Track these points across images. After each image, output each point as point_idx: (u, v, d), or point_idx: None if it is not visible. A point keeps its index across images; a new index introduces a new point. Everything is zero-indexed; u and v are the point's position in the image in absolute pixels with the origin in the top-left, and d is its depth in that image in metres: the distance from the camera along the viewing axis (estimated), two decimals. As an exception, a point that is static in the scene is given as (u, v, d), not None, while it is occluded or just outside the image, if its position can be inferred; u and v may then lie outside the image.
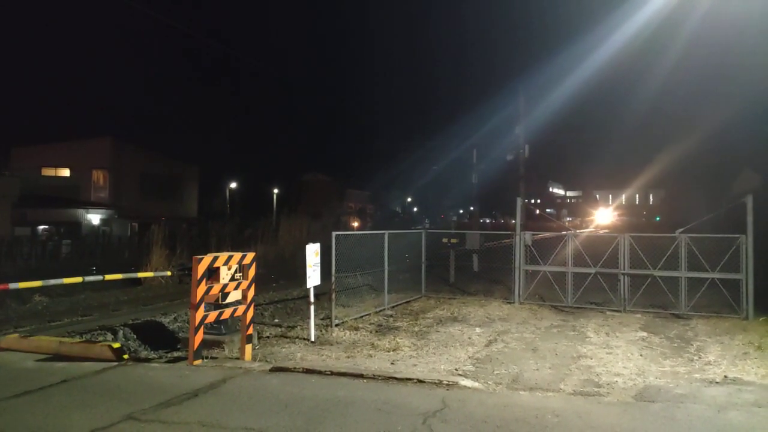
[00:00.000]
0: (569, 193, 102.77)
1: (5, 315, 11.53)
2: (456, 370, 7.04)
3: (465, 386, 6.20)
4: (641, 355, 7.95)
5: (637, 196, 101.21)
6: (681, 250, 11.11)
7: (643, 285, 11.52)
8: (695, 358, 7.86)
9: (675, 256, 11.17)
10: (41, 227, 33.55)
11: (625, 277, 11.61)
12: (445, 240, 16.22)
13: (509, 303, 12.48)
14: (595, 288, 12.07)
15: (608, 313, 11.38)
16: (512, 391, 6.20)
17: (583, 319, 10.70)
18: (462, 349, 8.21)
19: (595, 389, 6.30)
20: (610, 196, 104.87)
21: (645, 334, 9.43)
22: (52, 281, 7.48)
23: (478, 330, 9.68)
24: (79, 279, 7.81)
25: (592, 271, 12.02)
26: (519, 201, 13.36)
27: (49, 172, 41.40)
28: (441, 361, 7.48)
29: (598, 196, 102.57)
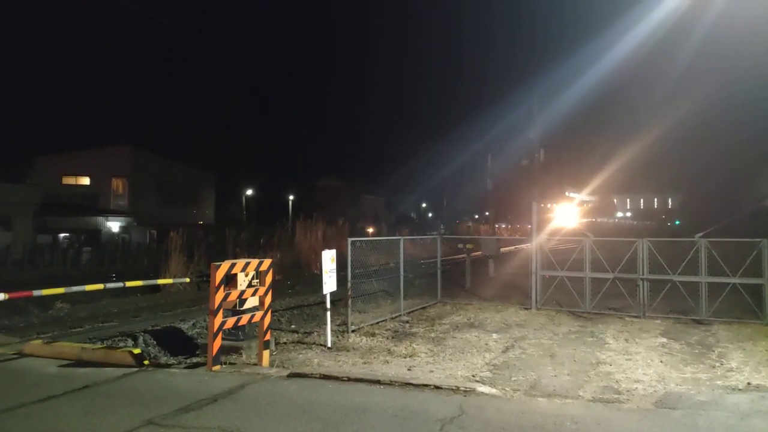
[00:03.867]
0: (586, 198, 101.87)
1: (28, 321, 11.75)
2: (473, 376, 7.01)
3: (482, 392, 6.18)
4: (661, 362, 7.84)
5: (655, 200, 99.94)
6: (701, 255, 10.95)
7: (662, 290, 11.37)
8: (717, 364, 7.73)
9: (695, 261, 11.02)
10: (62, 235, 34.12)
11: (645, 282, 11.47)
12: (460, 245, 16.20)
13: (526, 309, 12.39)
14: (613, 293, 11.94)
15: (627, 318, 11.24)
16: (530, 397, 6.16)
17: (602, 325, 10.59)
18: (479, 356, 8.18)
19: (615, 396, 6.24)
20: (628, 200, 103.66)
21: (665, 340, 9.30)
22: (75, 288, 7.63)
23: (495, 336, 9.63)
24: (100, 286, 7.96)
25: (611, 276, 11.89)
26: (534, 206, 13.29)
27: (69, 180, 42.17)
28: (458, 368, 7.46)
29: (615, 200, 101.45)
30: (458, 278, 16.58)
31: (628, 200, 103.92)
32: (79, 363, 7.37)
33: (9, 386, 6.48)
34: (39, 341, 8.11)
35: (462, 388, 6.21)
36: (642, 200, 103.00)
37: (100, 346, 8.10)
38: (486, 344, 8.97)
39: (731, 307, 10.93)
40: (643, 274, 11.47)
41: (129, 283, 8.64)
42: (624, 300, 11.82)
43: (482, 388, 6.32)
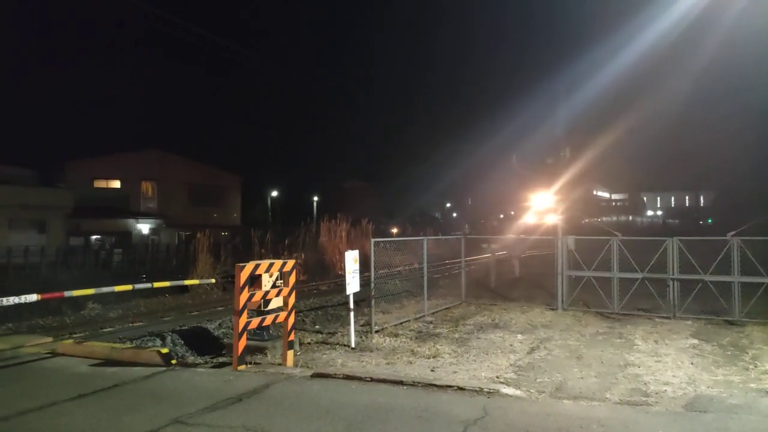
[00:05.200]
0: (615, 196, 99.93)
1: (62, 321, 12.08)
2: (497, 377, 6.94)
3: (506, 394, 6.12)
4: (692, 364, 7.65)
5: (686, 197, 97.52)
6: (733, 254, 10.64)
7: (693, 290, 11.09)
8: (750, 366, 7.50)
9: (727, 260, 10.71)
10: (94, 237, 35.05)
11: (675, 282, 11.20)
12: (484, 245, 16.07)
13: (552, 309, 12.22)
14: (642, 294, 11.69)
15: (657, 319, 10.99)
16: (555, 399, 6.07)
17: (631, 326, 10.38)
18: (503, 357, 8.10)
19: (643, 398, 6.10)
20: (658, 198, 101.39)
21: (696, 341, 9.06)
22: (104, 289, 7.82)
23: (519, 337, 9.52)
24: (129, 287, 8.14)
25: (639, 276, 11.64)
26: (560, 205, 13.10)
27: (100, 183, 43.26)
28: (482, 369, 7.40)
29: (645, 198, 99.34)
30: (483, 278, 16.45)
31: (658, 198, 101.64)
32: (109, 362, 7.55)
33: (42, 384, 6.67)
34: (71, 341, 8.34)
35: (486, 390, 6.15)
36: (673, 198, 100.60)
37: (130, 346, 8.29)
38: (511, 345, 8.87)
39: (765, 307, 10.59)
40: (673, 274, 11.20)
41: (156, 284, 8.82)
42: (653, 300, 11.56)
43: (506, 390, 6.26)
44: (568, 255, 12.53)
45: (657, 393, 6.31)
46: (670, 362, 7.72)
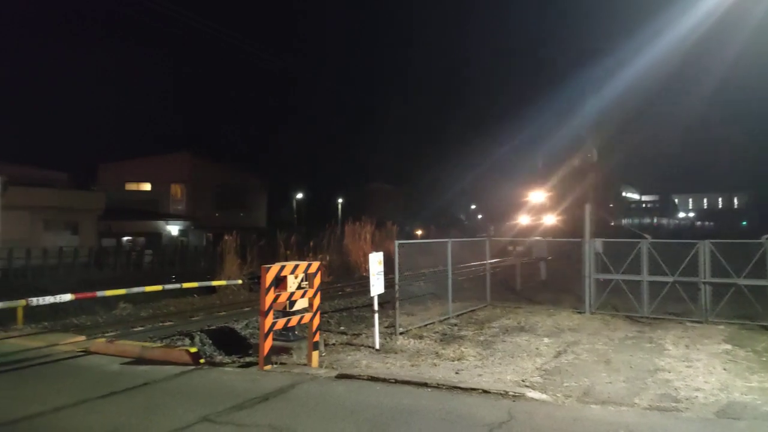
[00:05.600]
0: (645, 198, 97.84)
1: (94, 321, 12.40)
2: (523, 381, 6.88)
3: (532, 398, 6.06)
4: (725, 369, 7.45)
5: (720, 199, 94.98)
6: (769, 257, 10.33)
7: (726, 294, 10.80)
8: (787, 373, 7.27)
9: (762, 264, 10.40)
10: (125, 238, 35.91)
11: (707, 285, 10.92)
12: (510, 248, 15.91)
13: (580, 313, 12.04)
14: (673, 297, 11.43)
15: (688, 324, 10.74)
16: (583, 404, 5.98)
17: (661, 331, 10.16)
18: (529, 360, 8.02)
19: (673, 404, 5.97)
20: (690, 200, 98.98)
21: (729, 346, 8.82)
22: (135, 289, 8.02)
23: (546, 340, 9.41)
24: (158, 287, 8.34)
25: (670, 279, 11.39)
26: (587, 207, 12.90)
27: (131, 186, 44.32)
28: (507, 372, 7.34)
29: (677, 200, 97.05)
30: (508, 281, 16.30)
31: (690, 200, 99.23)
32: (140, 361, 7.73)
33: (76, 382, 6.87)
34: (103, 339, 8.57)
35: (511, 393, 6.10)
36: (705, 200, 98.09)
37: (160, 345, 8.47)
38: (537, 348, 8.78)
39: (804, 312, 10.25)
40: (705, 278, 10.92)
41: (186, 285, 9.01)
42: (684, 304, 11.29)
43: (532, 394, 6.20)
44: (596, 258, 12.33)
45: (688, 399, 6.17)
46: (701, 368, 7.54)
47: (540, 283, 17.28)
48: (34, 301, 6.88)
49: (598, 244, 12.48)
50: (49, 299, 7.03)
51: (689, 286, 11.23)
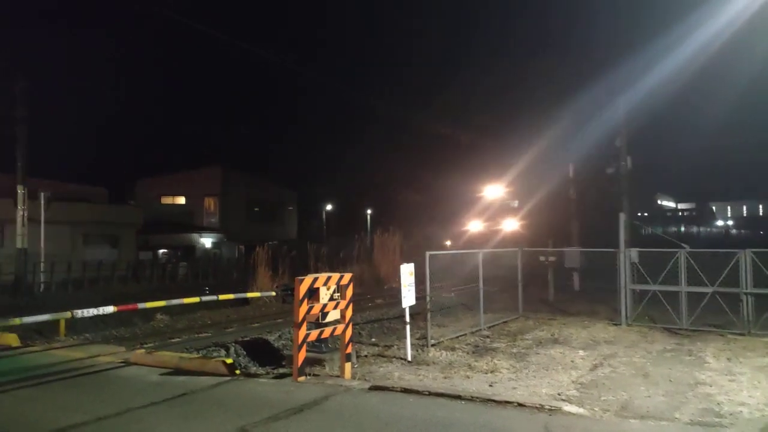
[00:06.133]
0: (681, 206, 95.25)
1: (133, 332, 12.75)
2: (558, 394, 6.78)
3: (569, 412, 5.96)
4: (771, 384, 7.19)
5: (760, 206, 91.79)
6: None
7: (770, 305, 10.43)
8: (838, 388, 6.97)
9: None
10: (161, 251, 36.79)
11: (749, 296, 10.57)
12: (542, 258, 15.71)
13: (615, 325, 11.79)
14: (712, 309, 11.09)
15: (729, 336, 10.40)
16: (621, 418, 5.86)
17: (701, 343, 9.87)
18: (564, 373, 7.89)
19: (716, 419, 5.80)
20: (728, 207, 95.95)
21: (775, 360, 8.51)
22: (174, 301, 8.24)
23: (581, 353, 9.25)
24: (196, 299, 8.54)
25: (710, 290, 11.06)
26: (622, 217, 12.67)
27: (167, 200, 45.46)
28: (542, 385, 7.24)
29: (714, 208, 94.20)
30: (540, 292, 16.08)
31: (728, 207, 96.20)
32: (178, 371, 7.90)
33: (118, 392, 7.07)
34: (142, 351, 8.80)
35: (547, 407, 6.02)
36: (745, 207, 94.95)
37: (197, 356, 8.65)
38: (572, 361, 8.63)
39: None
40: (746, 288, 10.58)
41: (222, 297, 9.21)
42: (725, 316, 10.95)
43: (569, 408, 6.10)
44: (632, 268, 12.08)
45: (732, 414, 5.97)
46: (745, 381, 7.29)
47: (573, 294, 17.00)
48: (79, 313, 7.13)
49: (634, 254, 12.23)
50: (92, 311, 7.27)
51: (730, 297, 10.89)
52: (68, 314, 7.06)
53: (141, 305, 7.83)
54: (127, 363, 8.52)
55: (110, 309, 7.52)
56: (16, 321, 6.82)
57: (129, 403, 6.43)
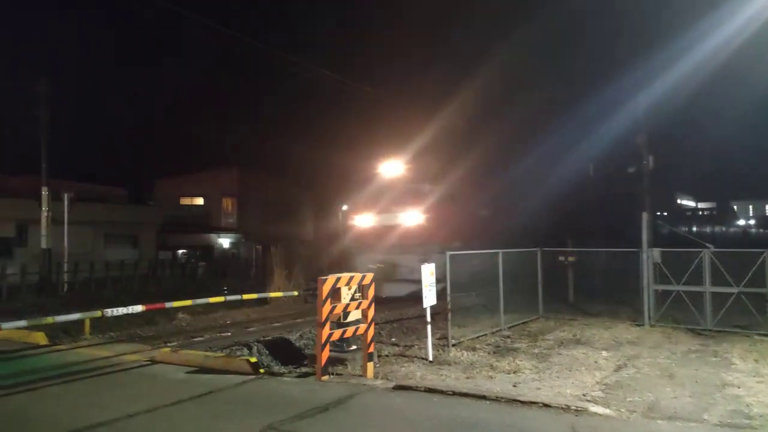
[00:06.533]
0: (701, 205, 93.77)
1: (156, 331, 12.92)
2: (584, 395, 6.74)
3: (595, 413, 5.93)
4: (801, 386, 7.07)
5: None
6: None
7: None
8: None
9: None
10: (180, 251, 37.20)
11: (776, 297, 10.39)
12: (562, 258, 15.58)
13: (638, 325, 11.67)
14: (738, 309, 10.92)
15: (756, 337, 10.24)
16: (648, 419, 5.81)
17: (726, 344, 9.73)
18: (588, 374, 7.84)
19: (746, 421, 5.72)
20: (750, 207, 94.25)
21: (804, 361, 8.37)
22: (199, 300, 8.35)
23: (604, 354, 9.18)
24: (221, 298, 8.65)
25: (735, 290, 10.90)
26: (644, 216, 12.53)
27: (186, 201, 45.95)
28: (566, 386, 7.20)
29: (735, 207, 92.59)
30: (560, 292, 15.94)
31: (750, 207, 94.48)
32: (203, 370, 8.01)
33: (145, 390, 7.19)
34: (168, 349, 8.93)
35: (573, 407, 5.99)
36: (767, 207, 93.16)
37: (221, 355, 8.75)
38: (595, 362, 8.57)
39: None
40: (773, 289, 10.40)
41: (245, 296, 9.32)
42: (751, 317, 10.78)
43: (595, 408, 6.06)
44: (654, 268, 11.95)
45: (762, 416, 5.89)
46: (774, 384, 7.18)
47: (594, 294, 16.83)
48: (109, 312, 7.27)
49: (656, 253, 12.09)
50: (122, 310, 7.41)
51: (756, 298, 10.72)
52: (98, 313, 7.20)
53: (168, 304, 7.96)
54: (153, 361, 8.66)
55: (139, 308, 7.65)
56: (50, 320, 6.97)
57: (157, 400, 6.54)
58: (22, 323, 6.74)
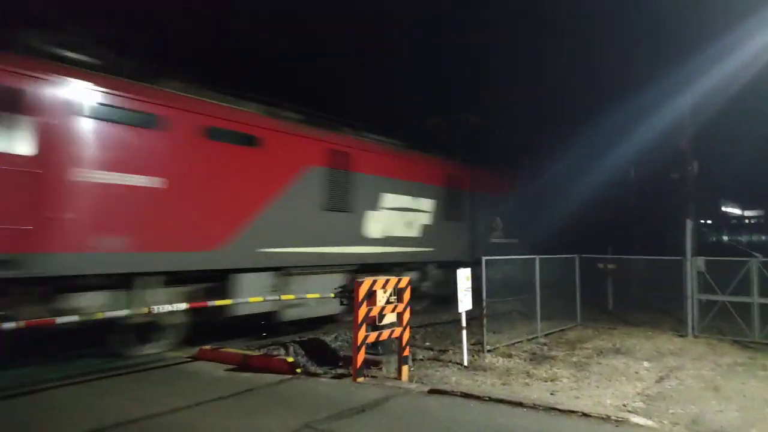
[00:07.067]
0: (747, 213, 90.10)
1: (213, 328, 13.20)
2: (624, 405, 6.61)
3: (637, 424, 5.80)
4: None
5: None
6: None
7: None
8: None
9: None
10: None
11: (830, 310, 9.95)
12: (601, 265, 15.26)
13: (681, 336, 11.34)
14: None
15: (808, 351, 9.82)
16: (692, 432, 5.66)
17: (776, 357, 9.38)
18: (629, 384, 7.67)
19: (798, 439, 5.51)
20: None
21: None
22: (240, 300, 8.55)
23: (645, 364, 8.95)
24: (260, 299, 8.83)
25: (785, 302, 10.49)
26: (689, 223, 12.19)
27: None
28: (606, 395, 7.07)
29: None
30: (599, 300, 15.62)
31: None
32: (243, 368, 8.19)
33: (187, 386, 7.40)
34: (209, 347, 9.16)
35: (613, 418, 5.88)
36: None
37: (260, 354, 8.94)
38: (636, 372, 8.38)
39: None
40: (827, 301, 9.96)
41: (284, 297, 9.48)
42: (803, 330, 10.35)
43: (636, 419, 5.93)
44: (698, 277, 11.59)
45: (815, 434, 5.66)
46: (829, 400, 6.88)
47: (635, 302, 16.42)
48: (155, 309, 7.51)
49: (701, 262, 11.74)
50: (168, 307, 7.65)
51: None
52: (146, 309, 7.46)
53: (210, 303, 8.17)
54: (194, 358, 8.90)
55: (183, 306, 7.88)
56: (99, 315, 7.26)
57: (199, 396, 6.72)
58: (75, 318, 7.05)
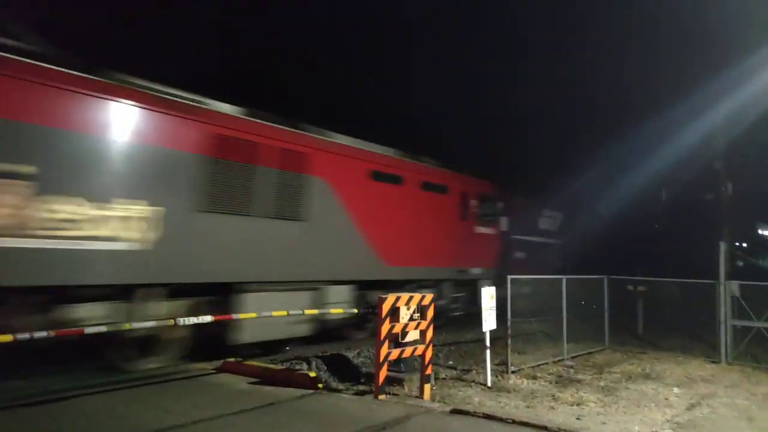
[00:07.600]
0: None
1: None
2: (653, 433, 6.41)
3: (665, 452, 5.62)
4: None
5: None
6: None
7: None
8: None
9: None
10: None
11: None
12: (630, 287, 14.91)
13: (713, 362, 10.97)
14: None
15: None
16: (725, 464, 5.44)
17: (816, 388, 8.98)
18: (658, 411, 7.44)
19: (839, 475, 5.24)
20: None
21: None
22: (264, 313, 8.63)
23: (676, 390, 8.68)
24: (284, 312, 8.90)
25: (825, 330, 10.07)
26: (722, 246, 11.85)
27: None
28: (634, 422, 6.87)
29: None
30: (628, 323, 15.24)
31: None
32: (265, 381, 8.22)
33: (210, 398, 7.45)
34: (233, 360, 9.24)
35: (641, 445, 5.71)
36: None
37: (282, 368, 8.97)
38: (666, 399, 8.13)
39: None
40: None
41: (307, 311, 9.53)
42: None
43: (665, 447, 5.75)
44: (732, 302, 11.23)
45: None
46: None
47: (666, 327, 15.96)
48: (181, 321, 7.63)
49: (735, 286, 11.38)
50: (193, 320, 7.77)
51: None
52: (171, 321, 7.58)
53: (235, 316, 8.27)
54: (218, 370, 8.97)
55: (208, 318, 7.99)
56: (126, 326, 7.41)
57: (222, 408, 6.77)
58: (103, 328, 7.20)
